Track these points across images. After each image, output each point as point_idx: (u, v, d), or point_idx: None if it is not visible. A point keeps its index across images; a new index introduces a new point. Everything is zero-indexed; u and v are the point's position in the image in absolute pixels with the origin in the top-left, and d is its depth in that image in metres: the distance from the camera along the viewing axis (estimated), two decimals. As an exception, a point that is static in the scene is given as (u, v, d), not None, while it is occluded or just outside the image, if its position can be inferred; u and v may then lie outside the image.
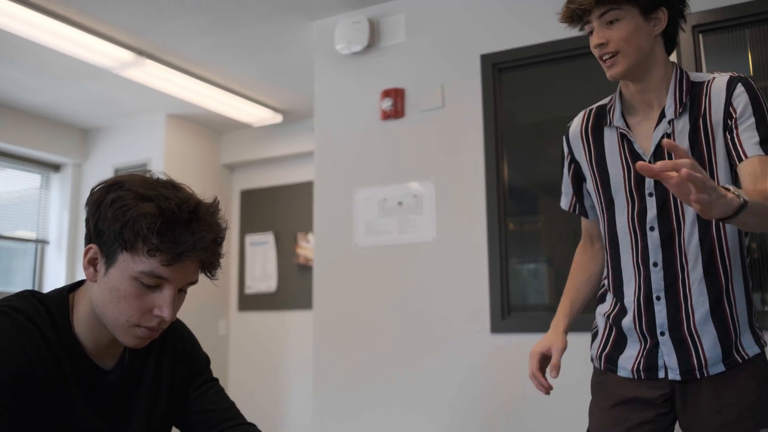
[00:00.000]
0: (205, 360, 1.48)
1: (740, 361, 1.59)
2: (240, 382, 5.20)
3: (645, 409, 1.65)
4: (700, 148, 1.57)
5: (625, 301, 1.69)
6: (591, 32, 1.63)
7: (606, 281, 1.77)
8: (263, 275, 5.31)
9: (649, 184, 1.62)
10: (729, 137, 1.55)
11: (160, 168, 4.95)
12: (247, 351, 5.37)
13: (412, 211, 3.23)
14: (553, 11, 3.07)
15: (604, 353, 1.74)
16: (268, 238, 5.35)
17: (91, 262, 1.23)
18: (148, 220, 1.15)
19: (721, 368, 1.59)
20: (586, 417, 1.82)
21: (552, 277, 3.09)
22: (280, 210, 5.36)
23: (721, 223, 1.57)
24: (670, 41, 1.68)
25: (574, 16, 1.63)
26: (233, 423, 1.40)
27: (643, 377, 1.65)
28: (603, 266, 1.83)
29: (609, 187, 1.70)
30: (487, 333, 2.99)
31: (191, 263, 1.21)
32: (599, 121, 1.75)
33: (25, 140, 4.98)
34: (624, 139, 1.67)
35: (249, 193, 5.58)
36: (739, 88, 1.56)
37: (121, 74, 4.13)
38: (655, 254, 1.62)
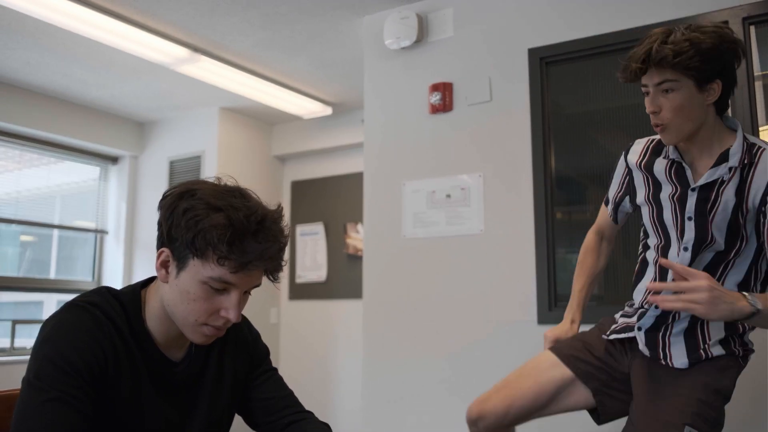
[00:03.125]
0: (265, 351, 1.56)
1: (703, 357, 1.76)
2: (290, 369, 5.31)
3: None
4: (739, 206, 1.69)
5: (636, 294, 1.94)
6: (647, 93, 1.70)
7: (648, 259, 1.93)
8: (313, 265, 5.41)
9: (690, 208, 1.74)
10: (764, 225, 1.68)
11: (213, 159, 5.09)
12: (297, 339, 5.49)
13: (460, 203, 3.28)
14: (599, 5, 3.08)
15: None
16: (318, 229, 5.44)
17: (163, 265, 1.31)
18: (218, 231, 1.22)
19: (685, 364, 1.78)
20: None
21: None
22: (330, 200, 5.44)
23: (728, 271, 1.75)
24: (722, 105, 1.74)
25: (633, 76, 1.68)
26: (292, 410, 1.48)
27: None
28: (605, 264, 2.13)
29: (660, 199, 1.82)
30: (534, 324, 3.02)
31: (257, 270, 1.29)
32: (654, 155, 1.86)
33: (85, 134, 5.16)
34: (673, 165, 1.79)
35: (299, 183, 5.68)
36: None
37: (176, 70, 4.26)
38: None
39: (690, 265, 1.73)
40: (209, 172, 5.05)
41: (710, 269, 1.72)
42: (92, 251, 5.47)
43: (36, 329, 1.28)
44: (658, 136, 1.86)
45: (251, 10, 3.61)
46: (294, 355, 5.46)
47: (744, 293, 1.56)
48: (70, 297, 1.39)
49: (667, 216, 1.79)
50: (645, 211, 1.88)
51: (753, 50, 2.75)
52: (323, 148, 5.47)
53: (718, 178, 1.70)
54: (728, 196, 1.68)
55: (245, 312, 1.51)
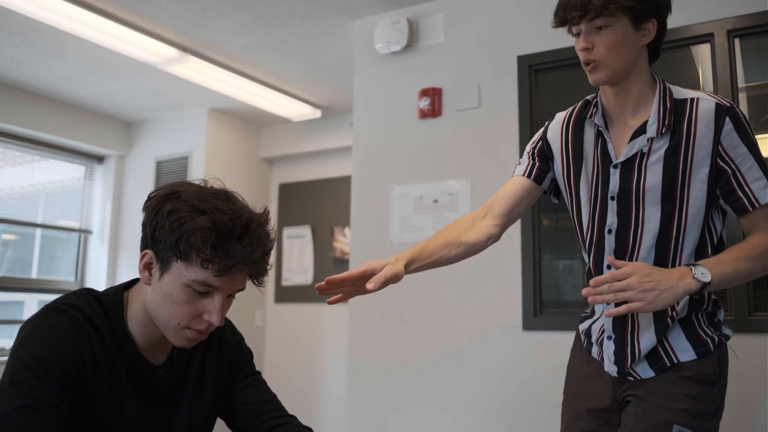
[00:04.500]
0: (249, 354, 1.55)
1: (668, 365, 1.61)
2: (275, 373, 5.29)
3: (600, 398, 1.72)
4: (674, 172, 1.56)
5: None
6: (578, 34, 1.61)
7: None
8: (300, 268, 5.40)
9: (613, 187, 1.63)
10: (733, 183, 1.54)
11: (201, 160, 5.07)
12: (282, 342, 5.47)
13: (447, 208, 3.28)
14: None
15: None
16: (305, 232, 5.43)
17: (146, 267, 1.29)
18: (202, 234, 1.21)
19: (650, 374, 1.62)
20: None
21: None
22: (318, 204, 5.43)
23: (680, 244, 1.58)
24: (654, 52, 1.67)
25: (566, 22, 1.60)
26: (275, 415, 1.47)
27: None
28: (479, 244, 1.81)
29: (579, 180, 1.71)
30: (519, 330, 3.03)
31: (241, 274, 1.28)
32: (581, 116, 1.75)
33: (71, 132, 5.12)
34: (600, 137, 1.68)
35: (287, 186, 5.67)
36: (728, 124, 1.53)
37: (165, 70, 4.24)
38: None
39: (628, 251, 1.62)
40: (196, 173, 5.03)
41: (659, 249, 1.59)
42: (76, 251, 5.42)
43: (16, 329, 1.26)
44: (581, 102, 1.78)
45: (242, 11, 3.60)
46: (279, 359, 5.44)
47: (690, 265, 1.47)
48: (52, 297, 1.37)
49: (585, 197, 1.70)
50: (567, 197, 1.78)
51: (738, 62, 2.78)
52: (312, 150, 5.46)
53: (638, 151, 1.60)
54: (655, 169, 1.58)
55: (230, 314, 1.51)
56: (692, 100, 1.58)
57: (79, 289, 1.35)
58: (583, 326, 1.81)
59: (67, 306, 1.27)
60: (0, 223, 4.90)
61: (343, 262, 5.10)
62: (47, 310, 1.27)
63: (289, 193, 5.64)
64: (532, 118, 3.14)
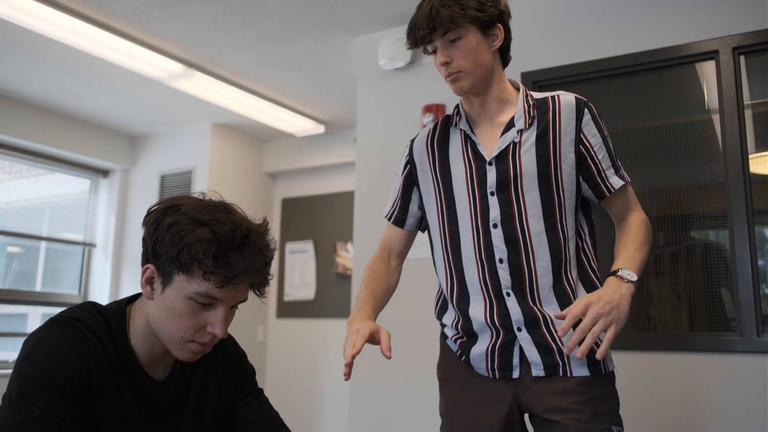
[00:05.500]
0: (251, 371, 1.54)
1: (603, 372, 1.64)
2: (277, 389, 5.28)
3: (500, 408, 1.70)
4: (546, 155, 1.65)
5: (471, 298, 1.73)
6: (434, 51, 1.68)
7: (445, 290, 1.82)
8: (302, 283, 5.39)
9: (491, 182, 1.67)
10: (593, 168, 1.67)
11: (204, 175, 5.08)
12: (284, 357, 5.45)
13: (450, 224, 3.27)
14: (592, 32, 3.11)
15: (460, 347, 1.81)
16: (307, 247, 5.43)
17: (148, 281, 1.29)
18: (203, 246, 1.21)
19: (586, 372, 1.62)
20: None
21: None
22: (320, 219, 5.44)
23: (565, 227, 1.65)
24: (504, 55, 1.79)
25: (419, 41, 1.67)
26: None
27: (498, 376, 1.70)
28: (397, 284, 1.92)
29: (451, 189, 1.73)
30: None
31: (243, 284, 1.28)
32: (445, 129, 1.81)
33: (76, 146, 5.14)
34: (468, 140, 1.73)
35: (290, 201, 5.68)
36: (587, 114, 1.68)
37: (170, 85, 4.26)
38: (500, 251, 1.65)
39: (519, 241, 1.63)
40: (200, 188, 5.04)
41: (550, 235, 1.64)
42: (79, 264, 5.42)
43: (20, 342, 1.26)
44: (441, 117, 1.85)
45: (247, 28, 3.62)
46: (281, 375, 5.42)
47: (612, 275, 1.53)
48: (55, 310, 1.38)
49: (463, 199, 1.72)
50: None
51: (743, 79, 2.78)
52: (315, 166, 5.47)
53: (510, 143, 1.67)
54: (529, 156, 1.65)
55: (232, 330, 1.50)
56: (553, 96, 1.71)
57: (83, 302, 1.35)
58: (472, 350, 1.78)
59: (71, 319, 1.28)
60: (5, 235, 4.90)
61: (345, 278, 5.09)
62: (52, 322, 1.27)
63: (292, 207, 5.64)
64: (535, 135, 3.14)
